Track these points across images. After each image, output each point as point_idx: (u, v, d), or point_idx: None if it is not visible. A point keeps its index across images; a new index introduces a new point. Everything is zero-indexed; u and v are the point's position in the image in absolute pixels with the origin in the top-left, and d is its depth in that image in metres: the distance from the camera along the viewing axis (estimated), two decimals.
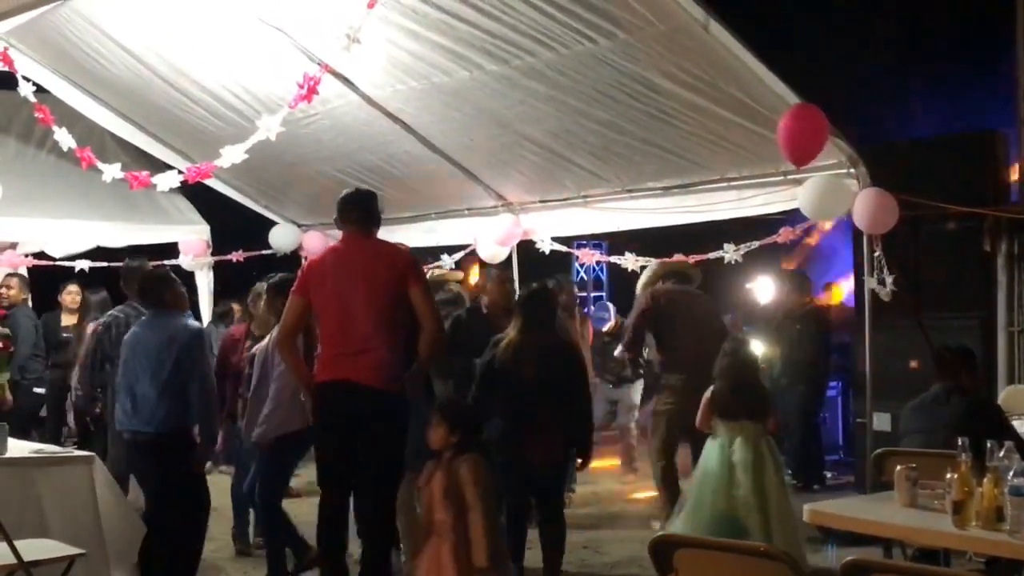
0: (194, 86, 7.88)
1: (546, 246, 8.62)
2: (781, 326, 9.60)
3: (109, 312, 7.30)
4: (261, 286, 6.84)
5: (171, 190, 7.92)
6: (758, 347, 9.45)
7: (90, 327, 7.56)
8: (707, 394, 6.13)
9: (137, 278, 6.74)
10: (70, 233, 9.73)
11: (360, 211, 5.66)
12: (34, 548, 4.69)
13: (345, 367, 5.33)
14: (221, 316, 9.80)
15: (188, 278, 10.28)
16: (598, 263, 14.75)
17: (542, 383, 5.88)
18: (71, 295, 9.10)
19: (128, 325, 6.47)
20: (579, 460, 6.18)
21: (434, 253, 9.41)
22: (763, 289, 10.60)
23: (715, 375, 6.16)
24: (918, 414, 5.57)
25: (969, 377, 5.58)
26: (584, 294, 14.77)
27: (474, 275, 12.53)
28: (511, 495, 5.98)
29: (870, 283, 6.59)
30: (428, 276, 7.28)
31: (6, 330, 8.42)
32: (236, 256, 10.23)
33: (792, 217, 7.19)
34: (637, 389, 9.85)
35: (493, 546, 4.77)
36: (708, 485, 5.93)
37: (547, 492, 6.10)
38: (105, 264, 9.57)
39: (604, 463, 9.92)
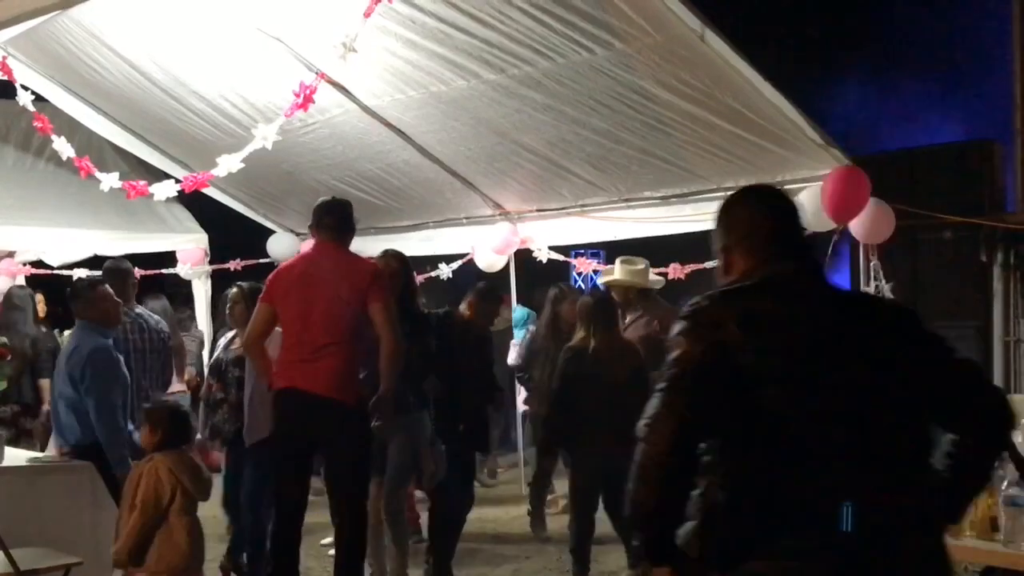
0: (192, 95, 7.89)
1: (543, 255, 8.63)
2: None
3: None
4: (235, 293, 6.79)
5: (169, 199, 7.93)
6: None
7: None
8: None
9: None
10: (68, 242, 9.73)
11: (335, 218, 5.67)
12: (31, 556, 4.69)
13: (297, 375, 5.38)
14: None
15: (186, 287, 10.30)
16: (595, 272, 14.72)
17: (625, 383, 5.95)
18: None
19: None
20: None
21: (432, 262, 9.43)
22: None
23: None
24: None
25: None
26: None
27: None
28: (585, 494, 6.24)
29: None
30: None
31: (3, 339, 8.41)
32: (234, 265, 10.24)
33: None
34: None
35: (138, 549, 4.66)
36: None
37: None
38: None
39: None
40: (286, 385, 5.43)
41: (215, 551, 6.43)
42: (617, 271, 7.24)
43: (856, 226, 6.46)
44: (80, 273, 9.63)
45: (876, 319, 2.68)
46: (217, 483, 5.57)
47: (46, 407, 7.45)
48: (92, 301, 5.91)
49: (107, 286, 6.07)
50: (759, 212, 2.79)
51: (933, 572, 2.54)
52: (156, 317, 7.23)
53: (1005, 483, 3.84)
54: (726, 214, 2.81)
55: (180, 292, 10.62)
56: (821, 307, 2.64)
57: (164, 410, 5.06)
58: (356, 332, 5.44)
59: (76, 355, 5.73)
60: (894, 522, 2.44)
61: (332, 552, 5.96)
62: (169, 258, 10.21)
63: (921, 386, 2.60)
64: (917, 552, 2.49)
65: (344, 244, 5.67)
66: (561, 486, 7.98)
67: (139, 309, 7.11)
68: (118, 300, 6.14)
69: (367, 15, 5.66)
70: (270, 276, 5.73)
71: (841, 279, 11.76)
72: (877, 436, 2.50)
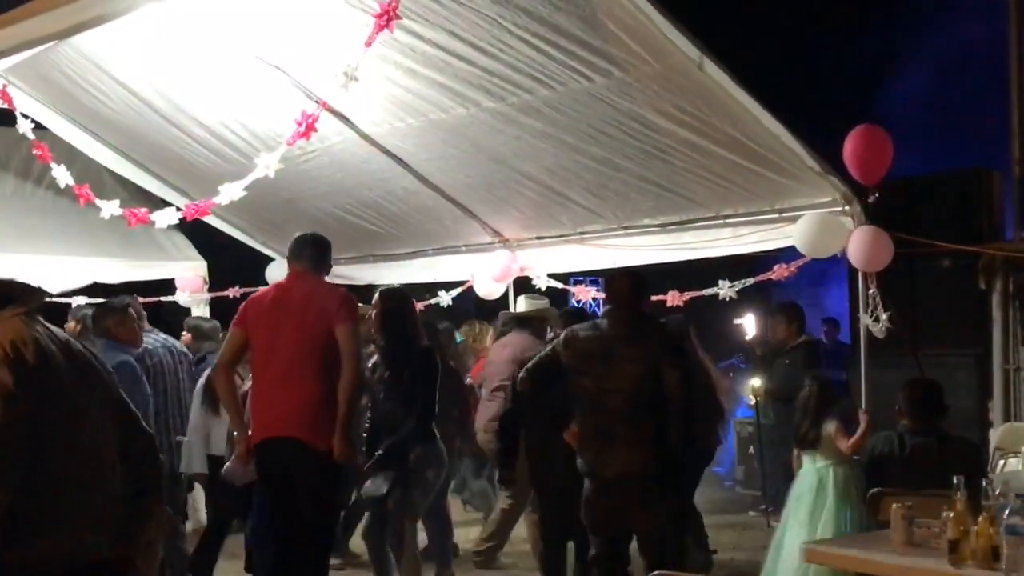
0: (193, 123, 7.91)
1: (542, 282, 8.63)
2: (770, 361, 9.49)
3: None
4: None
5: (169, 227, 7.94)
6: (749, 383, 9.43)
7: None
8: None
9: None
10: (67, 269, 9.72)
11: (313, 250, 5.74)
12: None
13: (268, 411, 5.44)
14: None
15: (185, 314, 10.28)
16: (594, 299, 14.71)
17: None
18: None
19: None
20: None
21: (431, 289, 9.43)
22: (750, 323, 10.20)
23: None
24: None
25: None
26: None
27: None
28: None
29: (865, 320, 6.60)
30: None
31: None
32: (233, 292, 10.23)
33: (786, 254, 7.21)
34: None
35: None
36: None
37: None
38: (102, 301, 9.55)
39: None
40: (264, 436, 5.45)
41: None
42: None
43: (854, 254, 6.46)
44: (80, 301, 9.67)
45: None
46: None
47: None
48: (123, 321, 6.17)
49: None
50: None
51: None
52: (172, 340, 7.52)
53: (1007, 512, 3.83)
54: None
55: (178, 320, 10.60)
56: None
57: None
58: (326, 365, 5.39)
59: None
60: None
61: None
62: (168, 286, 10.20)
63: None
64: None
65: (317, 276, 5.69)
66: None
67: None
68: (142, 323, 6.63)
69: (368, 44, 5.69)
70: (244, 302, 5.76)
71: (839, 307, 11.77)
72: None
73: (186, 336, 8.45)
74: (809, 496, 5.95)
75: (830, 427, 6.02)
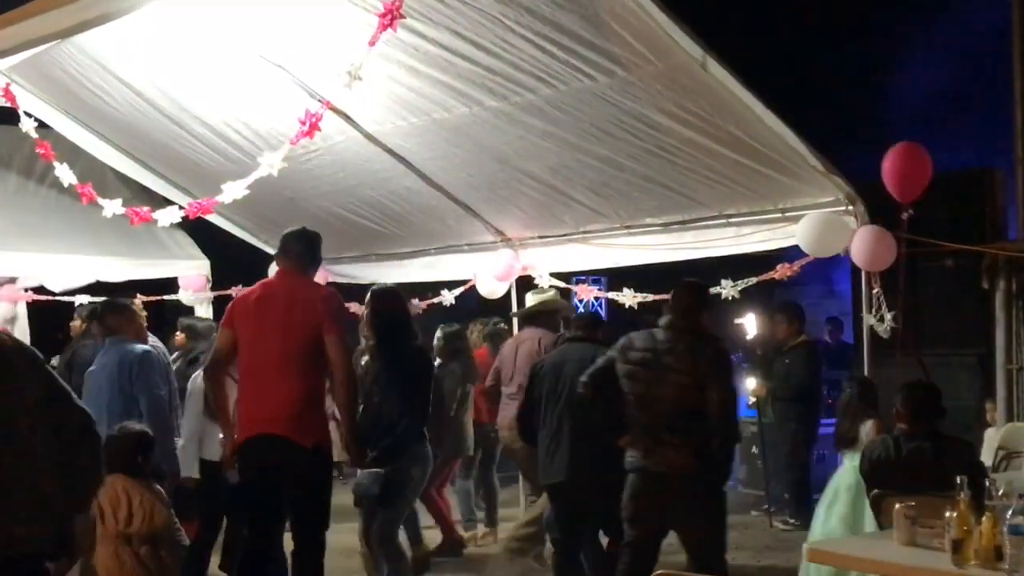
0: (196, 122, 7.92)
1: (545, 282, 8.62)
2: (771, 360, 9.49)
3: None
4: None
5: (172, 225, 7.95)
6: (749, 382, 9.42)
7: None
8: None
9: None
10: (70, 268, 9.74)
11: (302, 246, 5.72)
12: None
13: (253, 410, 5.43)
14: None
15: (188, 313, 10.29)
16: (597, 299, 14.73)
17: None
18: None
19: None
20: None
21: (434, 288, 9.43)
22: (751, 322, 10.18)
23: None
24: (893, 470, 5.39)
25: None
26: None
27: None
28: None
29: (869, 320, 6.59)
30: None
31: None
32: (236, 291, 10.22)
33: (789, 253, 7.21)
34: None
35: None
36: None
37: None
38: (104, 299, 9.56)
39: None
40: (250, 434, 5.45)
41: None
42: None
43: (857, 254, 6.46)
44: (82, 299, 9.69)
45: None
46: None
47: None
48: (131, 318, 6.24)
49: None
50: None
51: None
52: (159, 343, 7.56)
53: (1010, 512, 3.82)
54: None
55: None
56: None
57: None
58: (312, 363, 5.40)
59: (125, 361, 6.15)
60: None
61: None
62: (171, 284, 10.20)
63: None
64: None
65: (304, 273, 5.69)
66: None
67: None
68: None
69: (372, 43, 5.69)
70: (231, 302, 5.77)
71: (842, 307, 11.77)
72: None
73: (180, 336, 8.44)
74: (847, 494, 6.05)
75: (869, 427, 6.09)
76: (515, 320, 9.05)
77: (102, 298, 9.63)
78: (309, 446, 5.32)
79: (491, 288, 8.85)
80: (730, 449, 5.74)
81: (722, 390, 5.48)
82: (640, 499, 5.64)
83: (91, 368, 6.63)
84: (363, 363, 6.46)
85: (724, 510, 5.71)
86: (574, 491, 6.31)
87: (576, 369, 6.18)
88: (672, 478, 5.50)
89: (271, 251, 10.12)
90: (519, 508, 8.98)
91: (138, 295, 8.67)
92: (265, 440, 5.36)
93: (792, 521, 9.11)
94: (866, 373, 6.77)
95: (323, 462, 5.47)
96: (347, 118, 7.42)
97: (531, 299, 8.13)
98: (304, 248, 5.72)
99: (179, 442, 6.80)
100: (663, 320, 5.75)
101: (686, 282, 5.87)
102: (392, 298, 6.33)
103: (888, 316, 6.46)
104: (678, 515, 5.60)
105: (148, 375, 6.28)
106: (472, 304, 9.69)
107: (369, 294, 6.38)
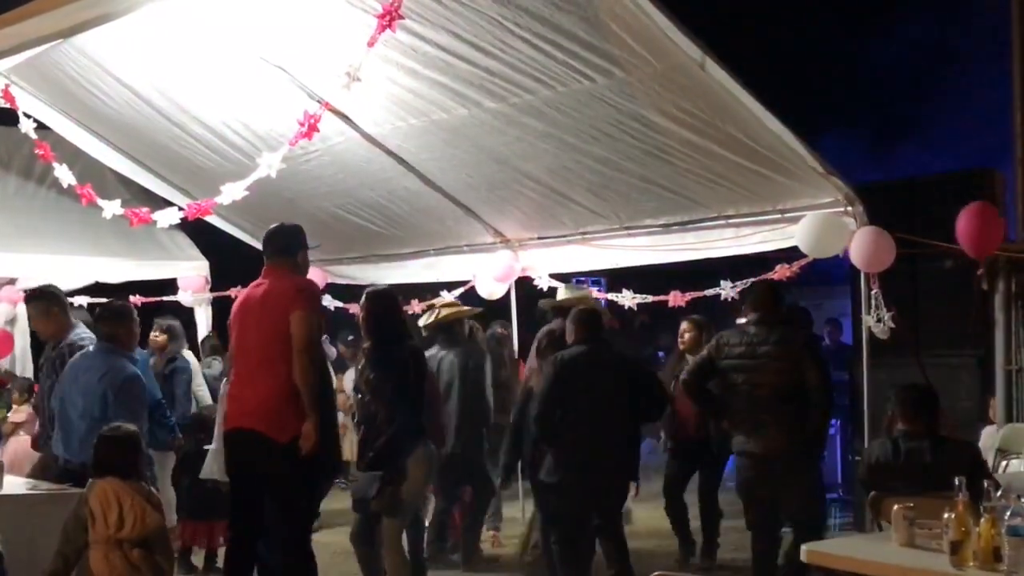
0: (195, 123, 7.92)
1: (544, 283, 8.63)
2: None
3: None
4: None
5: (171, 226, 7.95)
6: None
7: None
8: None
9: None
10: (69, 269, 9.74)
11: (277, 243, 5.74)
12: None
13: (235, 407, 5.51)
14: (215, 349, 9.72)
15: (188, 314, 10.29)
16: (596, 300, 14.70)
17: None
18: None
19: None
20: None
21: (433, 289, 9.43)
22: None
23: None
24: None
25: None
26: None
27: None
28: None
29: (867, 321, 6.59)
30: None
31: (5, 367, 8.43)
32: (235, 292, 10.20)
33: (788, 254, 7.21)
34: None
35: None
36: None
37: None
38: (104, 300, 9.56)
39: None
40: (228, 427, 5.58)
41: None
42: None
43: (856, 255, 6.46)
44: (81, 300, 9.69)
45: None
46: None
47: None
48: (129, 327, 6.16)
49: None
50: None
51: None
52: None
53: (1009, 513, 3.82)
54: None
55: (180, 320, 10.60)
56: None
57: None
58: (290, 357, 5.36)
59: (111, 376, 5.92)
60: None
61: None
62: (170, 285, 10.20)
63: None
64: None
65: (286, 266, 5.67)
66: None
67: None
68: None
69: (371, 44, 5.69)
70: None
71: (842, 308, 11.75)
72: None
73: (162, 337, 8.42)
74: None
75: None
76: (515, 321, 9.06)
77: (102, 299, 9.66)
78: (285, 442, 5.29)
79: (490, 289, 8.85)
80: (828, 423, 6.49)
81: (818, 369, 6.19)
82: (748, 479, 6.39)
83: (73, 360, 6.42)
84: (359, 365, 6.45)
85: (821, 483, 6.55)
86: (585, 491, 6.39)
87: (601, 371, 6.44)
88: (774, 458, 6.19)
89: None
90: (518, 506, 8.95)
91: (137, 296, 8.66)
92: (240, 434, 5.43)
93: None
94: (865, 374, 6.78)
95: (303, 460, 5.33)
96: (346, 119, 7.43)
97: (565, 292, 8.06)
98: (281, 243, 5.74)
99: (212, 446, 6.80)
100: (750, 316, 6.45)
101: (763, 281, 6.74)
102: (387, 299, 6.34)
103: (887, 316, 6.46)
104: (780, 489, 6.27)
105: (130, 404, 5.91)
106: (473, 305, 9.68)
107: (364, 295, 6.40)
